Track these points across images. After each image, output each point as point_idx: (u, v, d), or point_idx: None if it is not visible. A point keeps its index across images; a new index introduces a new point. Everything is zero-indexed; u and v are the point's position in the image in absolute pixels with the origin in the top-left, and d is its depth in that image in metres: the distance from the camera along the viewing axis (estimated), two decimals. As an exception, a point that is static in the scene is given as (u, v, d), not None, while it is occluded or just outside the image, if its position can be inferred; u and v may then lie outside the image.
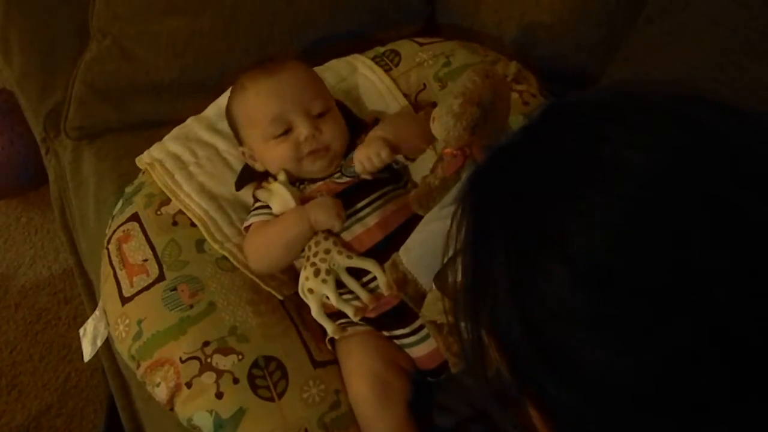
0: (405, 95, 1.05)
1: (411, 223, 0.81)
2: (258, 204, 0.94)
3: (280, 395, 0.83)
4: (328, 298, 0.86)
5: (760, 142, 0.39)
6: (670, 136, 0.39)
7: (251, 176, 0.98)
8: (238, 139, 0.99)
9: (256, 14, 1.18)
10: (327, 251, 0.86)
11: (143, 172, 1.06)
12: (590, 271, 0.37)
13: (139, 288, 0.91)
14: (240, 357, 0.84)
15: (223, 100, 1.07)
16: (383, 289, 0.84)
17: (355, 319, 0.86)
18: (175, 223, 0.97)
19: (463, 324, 0.45)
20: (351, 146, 0.93)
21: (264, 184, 0.96)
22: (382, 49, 1.13)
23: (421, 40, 1.13)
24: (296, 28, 1.18)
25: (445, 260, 0.48)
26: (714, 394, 0.35)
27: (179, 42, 1.18)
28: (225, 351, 0.85)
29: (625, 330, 0.36)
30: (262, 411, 0.82)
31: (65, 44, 1.32)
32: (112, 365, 1.09)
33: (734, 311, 0.35)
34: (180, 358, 0.85)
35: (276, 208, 0.92)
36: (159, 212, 0.98)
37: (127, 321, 0.90)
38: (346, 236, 0.88)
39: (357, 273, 0.86)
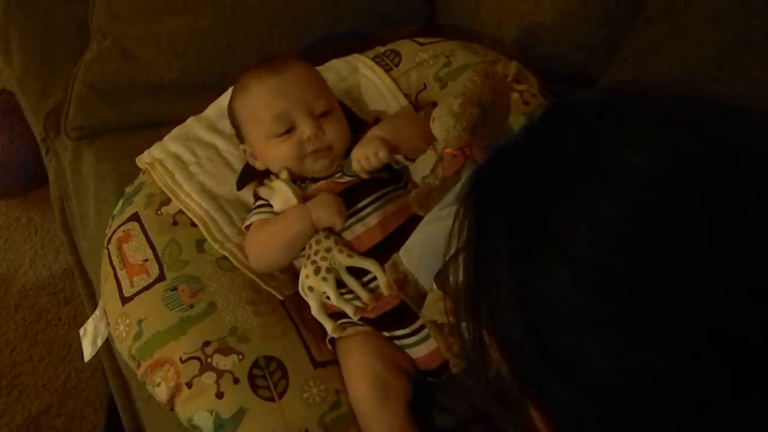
0: (405, 95, 1.05)
1: (411, 223, 0.81)
2: (259, 202, 0.94)
3: (281, 395, 0.83)
4: (328, 297, 0.86)
5: (760, 142, 0.39)
6: (670, 136, 0.39)
7: (252, 175, 0.98)
8: (240, 137, 0.99)
9: (256, 14, 1.18)
10: (328, 250, 0.86)
11: (143, 172, 1.06)
12: (591, 272, 0.37)
13: (140, 288, 0.91)
14: (240, 357, 0.84)
15: (223, 100, 1.07)
16: (383, 289, 0.84)
17: (355, 319, 0.86)
18: (175, 223, 0.97)
19: (464, 324, 0.45)
20: (352, 146, 0.93)
21: (266, 181, 0.96)
22: (382, 49, 1.13)
23: (421, 40, 1.13)
24: (296, 28, 1.18)
25: (446, 260, 0.48)
26: (714, 394, 0.35)
27: (179, 42, 1.18)
28: (225, 351, 0.85)
29: (625, 330, 0.36)
30: (263, 411, 0.82)
31: (65, 44, 1.32)
32: (112, 365, 1.09)
33: (734, 311, 0.35)
34: (180, 358, 0.85)
35: (277, 206, 0.92)
36: (159, 212, 0.98)
37: (128, 321, 0.90)
38: (347, 235, 0.88)
39: (357, 272, 0.86)
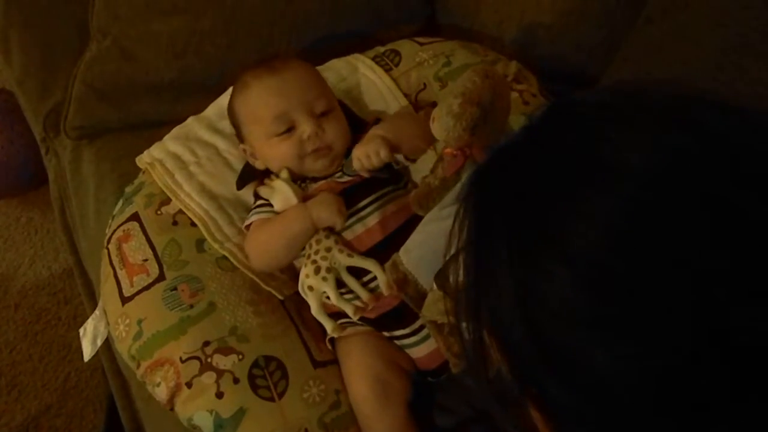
0: (405, 95, 1.05)
1: (411, 223, 0.81)
2: (259, 202, 0.94)
3: (281, 395, 0.83)
4: (328, 297, 0.86)
5: (760, 142, 0.39)
6: (670, 136, 0.39)
7: (252, 175, 0.98)
8: (240, 137, 0.99)
9: (256, 14, 1.18)
10: (328, 249, 0.86)
11: (143, 172, 1.06)
12: (591, 272, 0.37)
13: (140, 288, 0.91)
14: (240, 357, 0.84)
15: (223, 99, 1.07)
16: (383, 289, 0.84)
17: (355, 318, 0.86)
18: (175, 223, 0.97)
19: (464, 324, 0.45)
20: (352, 146, 0.93)
21: (266, 181, 0.96)
22: (382, 49, 1.13)
23: (421, 39, 1.13)
24: (296, 28, 1.18)
25: (446, 260, 0.48)
26: (714, 394, 0.35)
27: (179, 42, 1.18)
28: (225, 351, 0.85)
29: (625, 330, 0.36)
30: (263, 411, 0.82)
31: (65, 44, 1.32)
32: (112, 365, 1.09)
33: (734, 311, 0.35)
34: (180, 358, 0.85)
35: (278, 205, 0.92)
36: (159, 212, 0.98)
37: (127, 321, 0.90)
38: (347, 235, 0.88)
39: (357, 272, 0.86)
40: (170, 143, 1.06)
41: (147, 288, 0.91)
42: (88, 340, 1.01)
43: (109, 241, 0.98)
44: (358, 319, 0.86)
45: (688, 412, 0.36)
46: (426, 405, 0.85)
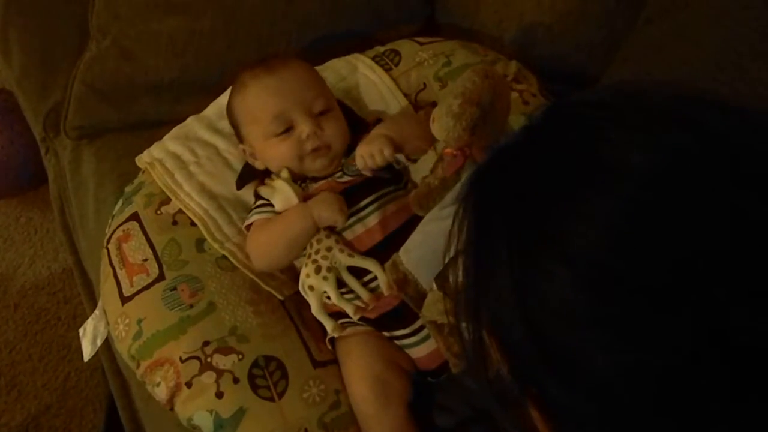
0: (405, 95, 1.05)
1: (411, 223, 0.81)
2: (260, 202, 0.94)
3: (280, 395, 0.83)
4: (328, 297, 0.86)
5: (760, 142, 0.39)
6: (670, 136, 0.39)
7: (252, 175, 0.98)
8: (239, 137, 0.99)
9: (256, 14, 1.18)
10: (329, 249, 0.86)
11: (143, 172, 1.06)
12: (591, 272, 0.37)
13: (139, 287, 0.91)
14: (240, 357, 0.84)
15: (223, 99, 1.07)
16: (384, 289, 0.84)
17: (355, 318, 0.86)
18: (175, 223, 0.97)
19: (463, 324, 0.45)
20: (352, 145, 0.93)
21: (267, 181, 0.96)
22: (382, 49, 1.13)
23: (421, 39, 1.13)
24: (296, 28, 1.18)
25: (446, 260, 0.48)
26: (714, 394, 0.35)
27: (179, 42, 1.18)
28: (225, 351, 0.85)
29: (625, 330, 0.36)
30: (262, 411, 0.82)
31: (65, 44, 1.32)
32: (111, 365, 1.09)
33: (734, 311, 0.35)
34: (180, 358, 0.85)
35: (279, 205, 0.92)
36: (159, 212, 0.98)
37: (127, 320, 0.90)
38: (348, 235, 0.88)
39: (358, 272, 0.86)
40: (170, 143, 1.06)
41: (147, 288, 0.91)
42: (88, 340, 1.01)
43: (108, 241, 0.98)
44: (359, 319, 0.86)
45: (688, 412, 0.36)
46: (426, 405, 0.85)
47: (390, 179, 0.93)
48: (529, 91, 1.02)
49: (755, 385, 0.35)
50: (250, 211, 0.95)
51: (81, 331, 1.02)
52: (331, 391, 0.85)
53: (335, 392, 0.85)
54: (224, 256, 0.93)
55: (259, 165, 0.97)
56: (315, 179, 0.94)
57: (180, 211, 0.98)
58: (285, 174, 0.94)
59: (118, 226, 0.98)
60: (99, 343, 1.00)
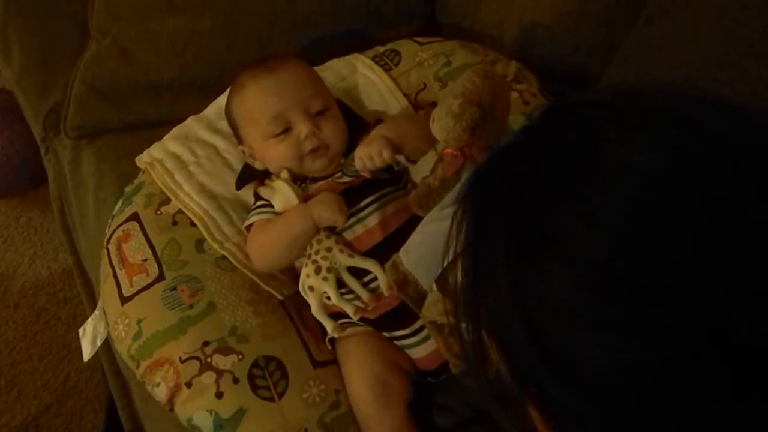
0: (405, 95, 1.05)
1: (411, 224, 0.81)
2: (260, 202, 0.94)
3: (280, 395, 0.83)
4: (328, 297, 0.86)
5: (760, 142, 0.39)
6: (670, 136, 0.39)
7: (252, 175, 0.98)
8: (238, 138, 0.99)
9: (256, 14, 1.18)
10: (329, 249, 0.86)
11: (143, 172, 1.06)
12: (590, 272, 0.37)
13: (139, 288, 0.91)
14: (240, 357, 0.84)
15: (223, 99, 1.07)
16: (384, 290, 0.84)
17: (355, 319, 0.86)
18: (174, 223, 0.97)
19: (463, 325, 0.45)
20: (352, 146, 0.93)
21: (267, 181, 0.96)
22: (382, 49, 1.13)
23: (421, 39, 1.13)
24: (296, 28, 1.18)
25: (446, 261, 0.48)
26: (714, 394, 0.35)
27: (179, 42, 1.18)
28: (225, 351, 0.85)
29: (625, 330, 0.36)
30: (262, 411, 0.82)
31: (65, 44, 1.32)
32: (111, 365, 1.09)
33: (734, 311, 0.35)
34: (180, 358, 0.85)
35: (279, 206, 0.92)
36: (159, 212, 0.98)
37: (127, 321, 0.90)
38: (347, 235, 0.88)
39: (358, 272, 0.86)
40: (170, 143, 1.06)
41: (146, 288, 0.91)
42: (88, 340, 1.01)
43: (108, 241, 0.98)
44: (359, 320, 0.86)
45: (688, 412, 0.36)
46: (426, 405, 0.85)
47: (390, 179, 0.92)
48: (529, 91, 1.02)
49: (755, 385, 0.35)
50: (250, 211, 0.95)
51: (81, 331, 1.02)
52: (331, 392, 0.85)
53: (335, 392, 0.85)
54: (224, 257, 0.93)
55: (258, 165, 0.97)
56: (315, 180, 0.94)
57: (180, 211, 0.98)
58: (285, 174, 0.93)
59: (118, 226, 0.98)
60: (99, 343, 1.00)
